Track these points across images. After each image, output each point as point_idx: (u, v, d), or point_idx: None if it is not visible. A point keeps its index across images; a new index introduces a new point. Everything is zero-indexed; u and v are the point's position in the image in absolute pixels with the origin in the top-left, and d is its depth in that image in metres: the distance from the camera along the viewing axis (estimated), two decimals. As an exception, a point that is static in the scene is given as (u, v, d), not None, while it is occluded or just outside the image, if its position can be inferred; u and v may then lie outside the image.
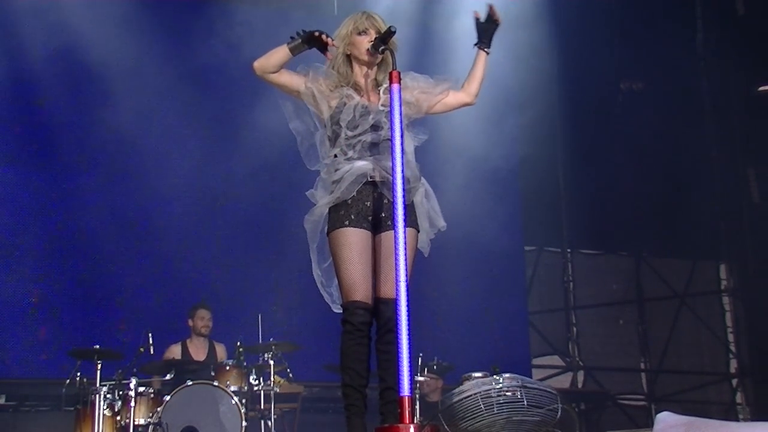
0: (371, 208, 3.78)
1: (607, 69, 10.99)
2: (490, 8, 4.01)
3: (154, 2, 8.99)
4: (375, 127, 3.80)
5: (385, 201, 3.76)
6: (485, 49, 4.02)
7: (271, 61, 3.91)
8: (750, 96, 11.00)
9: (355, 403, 3.67)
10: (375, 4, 8.24)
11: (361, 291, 3.69)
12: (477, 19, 4.03)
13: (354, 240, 3.73)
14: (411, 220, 3.73)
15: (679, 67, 11.55)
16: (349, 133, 3.81)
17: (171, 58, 8.79)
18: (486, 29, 4.01)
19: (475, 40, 4.02)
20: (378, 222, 3.79)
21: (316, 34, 3.85)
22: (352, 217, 3.75)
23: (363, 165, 3.77)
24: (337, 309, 3.81)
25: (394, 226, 3.44)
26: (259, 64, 3.94)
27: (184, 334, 7.61)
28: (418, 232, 3.85)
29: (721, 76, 11.59)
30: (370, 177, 3.77)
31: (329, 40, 3.86)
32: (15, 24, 8.41)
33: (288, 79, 3.93)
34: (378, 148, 3.79)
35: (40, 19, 8.39)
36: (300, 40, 3.88)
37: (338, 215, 3.77)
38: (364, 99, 3.87)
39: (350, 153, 3.79)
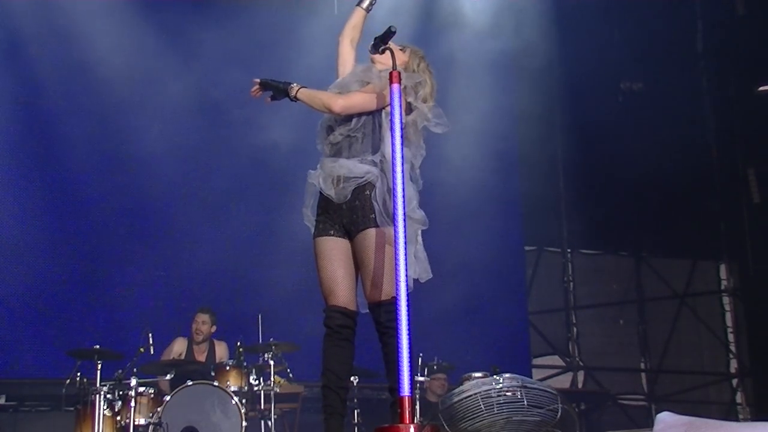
0: (335, 215, 3.84)
1: (607, 69, 10.99)
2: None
3: (154, 2, 8.98)
4: (331, 128, 3.90)
5: (344, 206, 3.79)
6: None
7: (347, 27, 4.12)
8: (750, 96, 10.99)
9: (332, 404, 3.73)
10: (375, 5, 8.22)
11: (337, 296, 3.79)
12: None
13: (325, 248, 3.83)
14: (367, 220, 3.75)
15: (679, 67, 11.55)
16: (324, 136, 3.95)
17: (172, 58, 8.77)
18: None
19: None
20: (347, 227, 3.83)
21: None
22: (320, 226, 3.87)
23: (313, 173, 3.91)
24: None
25: (394, 226, 3.46)
26: (339, 33, 4.13)
27: (188, 334, 7.64)
28: (378, 228, 3.76)
29: (721, 76, 11.58)
30: (316, 183, 3.86)
31: None
32: (15, 24, 8.41)
33: (344, 59, 4.08)
34: (338, 146, 3.86)
35: (40, 19, 8.39)
36: None
37: (315, 224, 3.90)
38: None
39: (323, 158, 3.91)
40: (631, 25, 10.62)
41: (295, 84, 3.89)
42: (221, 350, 7.60)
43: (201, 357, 7.50)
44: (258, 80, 3.94)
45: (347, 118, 3.84)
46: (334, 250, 3.82)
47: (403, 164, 3.49)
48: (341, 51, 4.10)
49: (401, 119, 3.54)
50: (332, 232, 3.83)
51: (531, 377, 7.02)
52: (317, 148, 3.98)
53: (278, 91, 3.90)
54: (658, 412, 3.11)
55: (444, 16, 9.68)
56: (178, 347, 7.49)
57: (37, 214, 8.38)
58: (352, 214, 3.79)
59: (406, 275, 3.37)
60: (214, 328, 7.62)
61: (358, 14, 4.12)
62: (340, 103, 3.80)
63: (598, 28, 10.28)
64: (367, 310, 3.84)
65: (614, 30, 10.57)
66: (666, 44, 11.11)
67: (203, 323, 7.54)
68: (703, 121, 11.83)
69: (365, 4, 4.12)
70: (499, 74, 10.16)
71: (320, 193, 3.87)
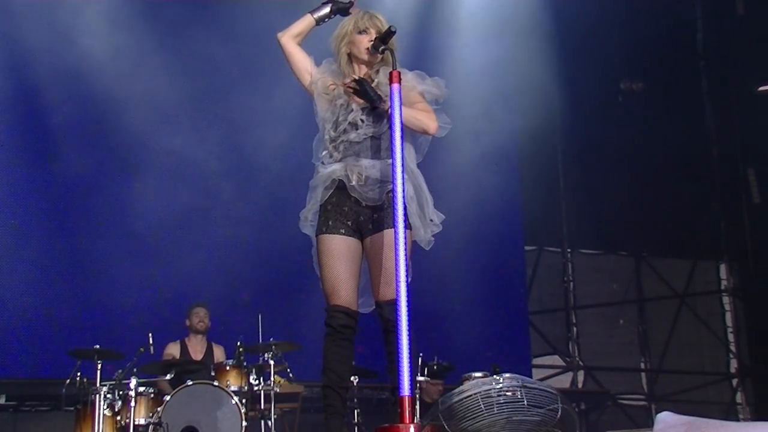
0: (350, 212, 3.78)
1: (607, 69, 10.99)
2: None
3: (154, 0, 8.98)
4: (354, 125, 3.80)
5: (364, 205, 3.76)
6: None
7: (294, 30, 4.00)
8: (750, 96, 10.99)
9: (333, 404, 3.72)
10: (375, 4, 8.24)
11: (340, 296, 3.74)
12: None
13: (332, 246, 3.76)
14: (391, 220, 3.67)
15: (679, 67, 11.55)
16: (333, 134, 3.84)
17: (172, 58, 8.76)
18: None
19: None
20: (361, 226, 3.79)
21: (347, 2, 3.96)
22: (330, 223, 3.79)
23: (335, 168, 3.79)
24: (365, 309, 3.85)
25: (394, 226, 3.46)
26: (282, 33, 4.01)
27: (184, 334, 7.64)
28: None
29: (721, 76, 11.59)
30: (340, 179, 3.78)
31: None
32: (16, 25, 8.41)
33: (300, 57, 3.98)
34: (359, 146, 3.79)
35: (42, 20, 8.39)
36: (328, 9, 3.98)
37: (320, 221, 3.82)
38: (352, 98, 3.85)
39: (335, 154, 3.82)
40: (631, 25, 10.62)
41: (387, 98, 3.72)
42: (219, 353, 7.60)
43: (198, 355, 7.51)
44: (357, 78, 3.79)
45: (378, 119, 3.76)
46: (342, 249, 3.76)
47: (403, 164, 3.49)
48: (294, 52, 3.97)
49: (401, 119, 3.54)
50: (342, 231, 3.77)
51: (531, 377, 7.02)
52: (324, 145, 3.86)
53: (367, 96, 3.73)
54: (658, 412, 3.11)
55: (442, 17, 9.67)
56: (172, 351, 7.49)
57: (37, 214, 8.38)
58: (373, 212, 3.74)
59: (407, 276, 3.38)
60: (210, 323, 7.66)
61: (307, 23, 3.99)
62: (436, 126, 3.78)
63: (598, 27, 10.28)
64: (366, 312, 3.83)
65: (614, 30, 10.57)
66: (666, 44, 11.11)
67: (205, 315, 7.62)
68: (703, 121, 11.83)
69: (318, 15, 3.99)
70: (499, 75, 10.17)
71: (334, 189, 3.80)
